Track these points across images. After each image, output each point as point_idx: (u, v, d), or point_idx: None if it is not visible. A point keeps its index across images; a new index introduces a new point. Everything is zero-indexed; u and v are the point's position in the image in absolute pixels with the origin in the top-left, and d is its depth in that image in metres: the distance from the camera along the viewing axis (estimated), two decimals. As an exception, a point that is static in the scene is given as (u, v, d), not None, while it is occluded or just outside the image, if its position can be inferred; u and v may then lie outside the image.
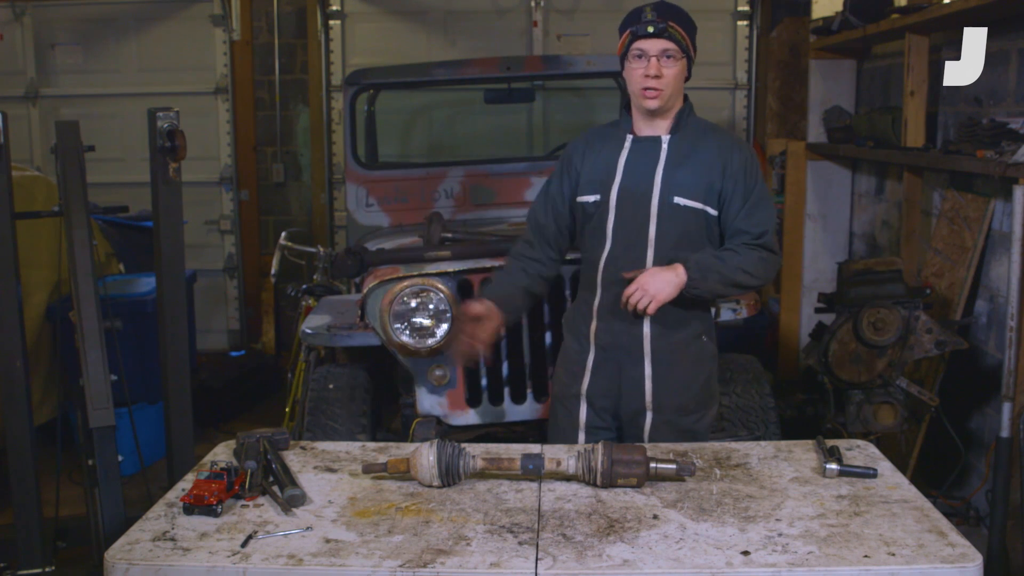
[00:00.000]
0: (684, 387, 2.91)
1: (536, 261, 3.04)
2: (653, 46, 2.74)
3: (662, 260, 2.80)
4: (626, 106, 2.95)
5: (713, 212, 2.83)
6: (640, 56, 2.76)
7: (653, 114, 2.84)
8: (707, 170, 2.82)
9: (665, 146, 2.85)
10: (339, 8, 7.05)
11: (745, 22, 6.97)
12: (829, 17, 5.40)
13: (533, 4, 6.93)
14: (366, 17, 7.07)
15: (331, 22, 7.04)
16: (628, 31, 2.79)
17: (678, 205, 2.81)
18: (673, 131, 2.86)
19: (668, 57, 2.76)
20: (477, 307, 2.85)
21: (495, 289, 3.02)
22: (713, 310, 3.84)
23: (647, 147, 2.86)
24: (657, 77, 2.75)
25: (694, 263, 2.74)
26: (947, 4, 4.03)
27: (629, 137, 2.88)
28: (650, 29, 2.73)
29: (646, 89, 2.77)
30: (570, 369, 2.99)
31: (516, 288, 3.01)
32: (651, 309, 2.72)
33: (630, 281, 2.76)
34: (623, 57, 2.84)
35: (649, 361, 2.87)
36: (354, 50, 7.07)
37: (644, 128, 2.88)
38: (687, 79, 2.86)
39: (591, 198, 2.89)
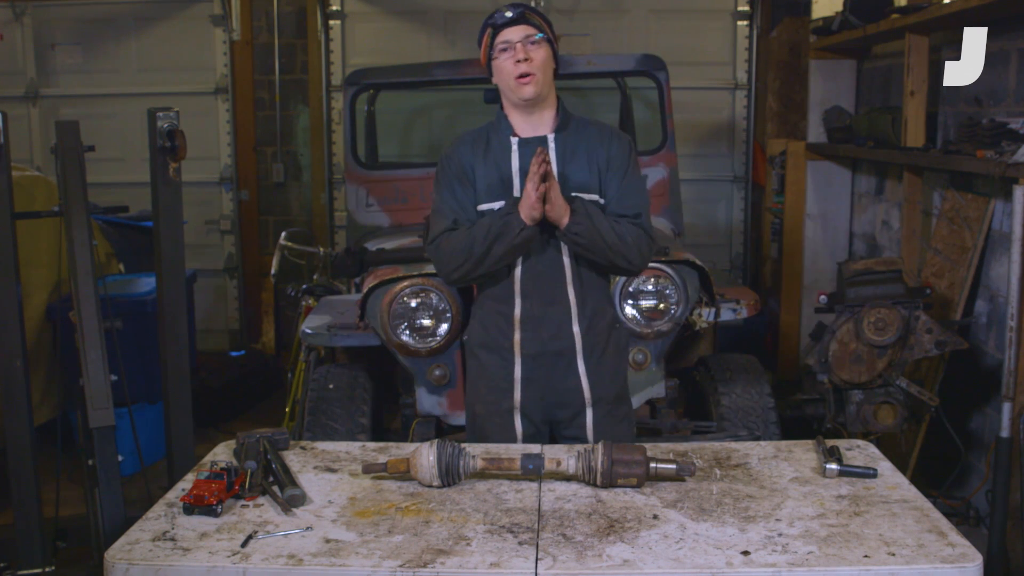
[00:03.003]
0: (615, 376, 2.90)
1: None
2: (515, 33, 2.72)
3: (577, 259, 2.77)
4: (501, 107, 2.87)
5: (603, 201, 2.81)
6: (505, 48, 2.73)
7: (531, 109, 2.78)
8: (594, 161, 2.80)
9: (553, 145, 2.79)
10: (339, 8, 7.04)
11: (745, 22, 6.96)
12: (829, 17, 5.41)
13: (533, 4, 6.93)
14: (366, 17, 7.07)
15: (331, 22, 7.04)
16: (487, 28, 2.76)
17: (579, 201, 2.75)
18: (558, 130, 2.80)
19: (532, 43, 2.72)
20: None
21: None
22: (712, 311, 3.86)
23: (535, 148, 2.74)
24: (527, 60, 2.70)
25: (582, 206, 2.67)
26: (947, 4, 4.03)
27: (515, 140, 2.80)
28: (508, 14, 2.71)
29: (519, 77, 2.72)
30: (494, 385, 2.86)
31: None
32: (547, 190, 2.59)
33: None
34: (489, 60, 2.78)
35: (582, 358, 2.82)
36: (354, 50, 7.06)
37: (526, 129, 2.81)
38: (556, 71, 2.80)
39: (494, 205, 2.78)
